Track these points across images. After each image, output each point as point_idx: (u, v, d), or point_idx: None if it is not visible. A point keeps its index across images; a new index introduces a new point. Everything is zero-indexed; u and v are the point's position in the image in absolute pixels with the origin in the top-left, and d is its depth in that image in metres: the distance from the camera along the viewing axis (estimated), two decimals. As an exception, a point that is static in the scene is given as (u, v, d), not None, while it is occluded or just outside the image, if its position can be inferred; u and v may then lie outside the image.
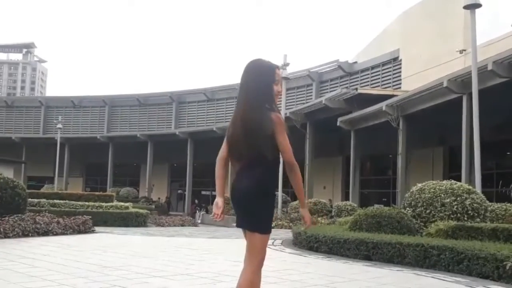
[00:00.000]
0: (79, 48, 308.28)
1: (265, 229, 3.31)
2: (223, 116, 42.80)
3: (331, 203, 25.34)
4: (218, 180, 3.41)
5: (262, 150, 3.27)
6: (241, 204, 3.30)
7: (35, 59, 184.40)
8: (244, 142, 3.31)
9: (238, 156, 3.36)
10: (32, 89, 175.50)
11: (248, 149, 3.29)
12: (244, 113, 3.34)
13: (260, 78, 3.36)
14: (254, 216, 3.26)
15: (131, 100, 48.19)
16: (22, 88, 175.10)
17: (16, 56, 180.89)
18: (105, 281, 5.70)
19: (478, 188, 12.38)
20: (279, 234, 14.33)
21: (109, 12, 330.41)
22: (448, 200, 9.95)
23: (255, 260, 3.29)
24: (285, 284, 5.82)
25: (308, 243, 9.90)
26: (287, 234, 13.74)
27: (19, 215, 11.74)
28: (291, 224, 18.41)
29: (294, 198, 28.12)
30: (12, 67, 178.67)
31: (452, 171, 23.97)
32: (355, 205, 22.15)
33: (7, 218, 11.13)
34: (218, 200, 3.32)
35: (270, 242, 11.25)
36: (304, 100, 35.97)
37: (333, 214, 21.32)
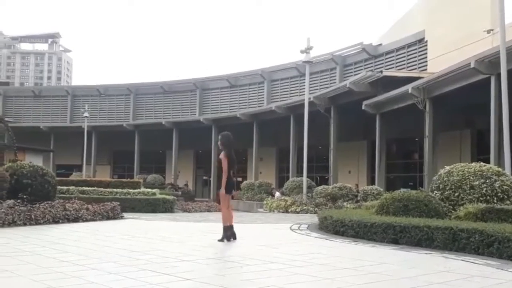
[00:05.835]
0: (103, 37, 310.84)
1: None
2: (246, 102, 42.79)
3: (357, 188, 25.17)
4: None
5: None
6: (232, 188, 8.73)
7: (61, 49, 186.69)
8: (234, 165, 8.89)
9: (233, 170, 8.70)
10: (58, 78, 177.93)
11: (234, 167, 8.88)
12: (232, 153, 8.76)
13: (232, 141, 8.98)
14: None
15: (156, 88, 48.54)
16: (49, 78, 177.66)
17: (42, 47, 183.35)
18: (135, 265, 5.80)
19: (507, 170, 12.16)
20: (304, 219, 14.32)
21: (132, 0, 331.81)
22: (477, 182, 9.79)
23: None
24: (313, 267, 5.82)
25: (334, 228, 9.87)
26: (313, 218, 13.71)
27: (49, 202, 12.00)
28: (316, 209, 18.40)
29: (318, 183, 28.04)
30: (38, 57, 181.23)
31: (480, 153, 23.57)
32: (381, 189, 21.95)
33: (38, 205, 11.39)
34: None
35: (296, 226, 11.29)
36: (327, 84, 35.66)
37: (359, 198, 21.20)
